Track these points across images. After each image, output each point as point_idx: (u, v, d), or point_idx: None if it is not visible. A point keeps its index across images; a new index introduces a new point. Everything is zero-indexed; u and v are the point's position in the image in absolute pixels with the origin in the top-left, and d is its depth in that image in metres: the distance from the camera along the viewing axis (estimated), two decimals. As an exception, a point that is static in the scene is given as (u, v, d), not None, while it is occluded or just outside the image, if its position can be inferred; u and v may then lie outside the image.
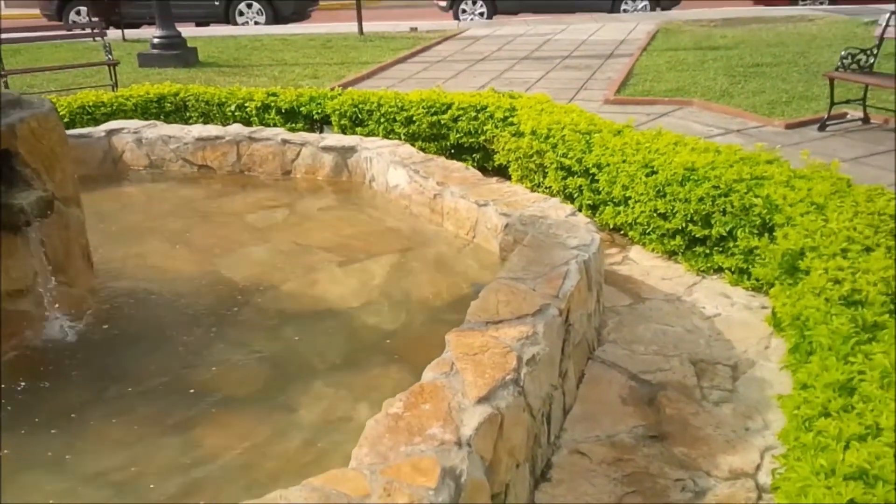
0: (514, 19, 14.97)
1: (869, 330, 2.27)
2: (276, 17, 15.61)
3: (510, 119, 5.10)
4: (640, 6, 15.09)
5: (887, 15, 6.76)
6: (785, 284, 2.96)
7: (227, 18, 15.62)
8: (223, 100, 6.05)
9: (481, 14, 15.44)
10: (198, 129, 5.17)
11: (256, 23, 15.61)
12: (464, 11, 15.48)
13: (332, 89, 6.14)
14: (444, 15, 15.77)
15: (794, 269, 2.94)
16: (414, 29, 13.91)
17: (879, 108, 6.72)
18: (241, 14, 15.67)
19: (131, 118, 5.74)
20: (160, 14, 11.07)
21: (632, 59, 9.74)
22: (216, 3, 15.47)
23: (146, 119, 5.75)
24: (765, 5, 15.22)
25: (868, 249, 2.80)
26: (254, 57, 11.40)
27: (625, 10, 15.09)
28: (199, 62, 11.01)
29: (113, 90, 7.85)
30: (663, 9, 14.98)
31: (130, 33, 13.98)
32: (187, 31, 12.47)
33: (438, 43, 12.28)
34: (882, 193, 3.30)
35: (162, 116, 6.01)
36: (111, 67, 8.51)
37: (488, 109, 5.26)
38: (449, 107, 5.37)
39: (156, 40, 11.04)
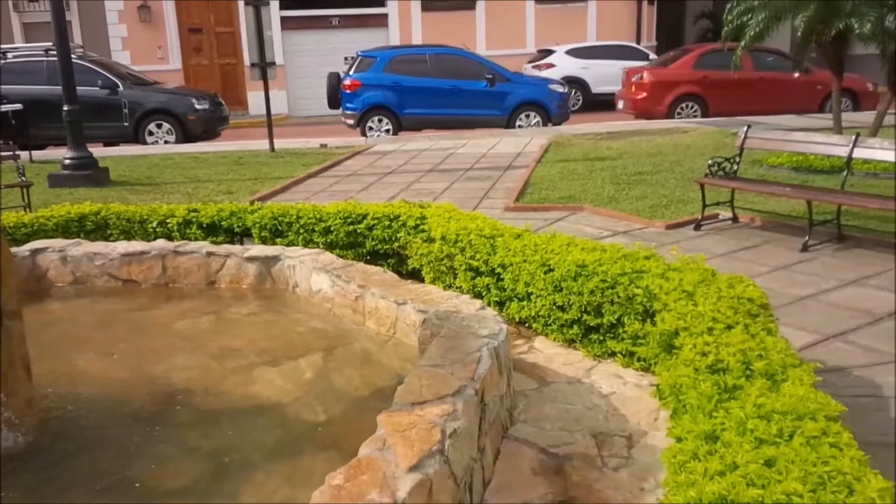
0: (419, 135, 15.86)
1: (729, 391, 2.74)
2: (186, 136, 15.93)
3: (421, 226, 5.56)
4: (533, 122, 16.33)
5: (745, 128, 7.80)
6: (664, 362, 3.44)
7: (137, 138, 15.85)
8: (145, 217, 6.27)
9: (387, 130, 16.28)
10: (123, 246, 5.39)
11: (166, 142, 15.89)
12: (371, 128, 16.27)
13: (252, 203, 6.49)
14: (352, 132, 16.51)
15: (670, 346, 3.43)
16: (324, 145, 14.52)
17: (746, 208, 7.63)
18: (151, 133, 15.94)
19: (52, 237, 5.86)
20: (71, 135, 11.22)
21: (528, 170, 10.56)
22: (125, 123, 15.72)
23: (67, 238, 5.89)
24: (645, 119, 16.74)
25: (729, 327, 3.32)
26: (166, 174, 11.65)
27: (520, 126, 16.27)
28: (111, 181, 11.15)
29: (26, 211, 7.93)
30: (554, 124, 16.27)
31: (38, 154, 14.02)
32: (98, 150, 12.63)
33: (348, 158, 12.87)
34: (741, 281, 3.89)
35: (83, 234, 6.14)
36: (24, 189, 8.60)
37: (401, 218, 5.70)
38: (364, 217, 5.79)
39: (67, 161, 11.16)
